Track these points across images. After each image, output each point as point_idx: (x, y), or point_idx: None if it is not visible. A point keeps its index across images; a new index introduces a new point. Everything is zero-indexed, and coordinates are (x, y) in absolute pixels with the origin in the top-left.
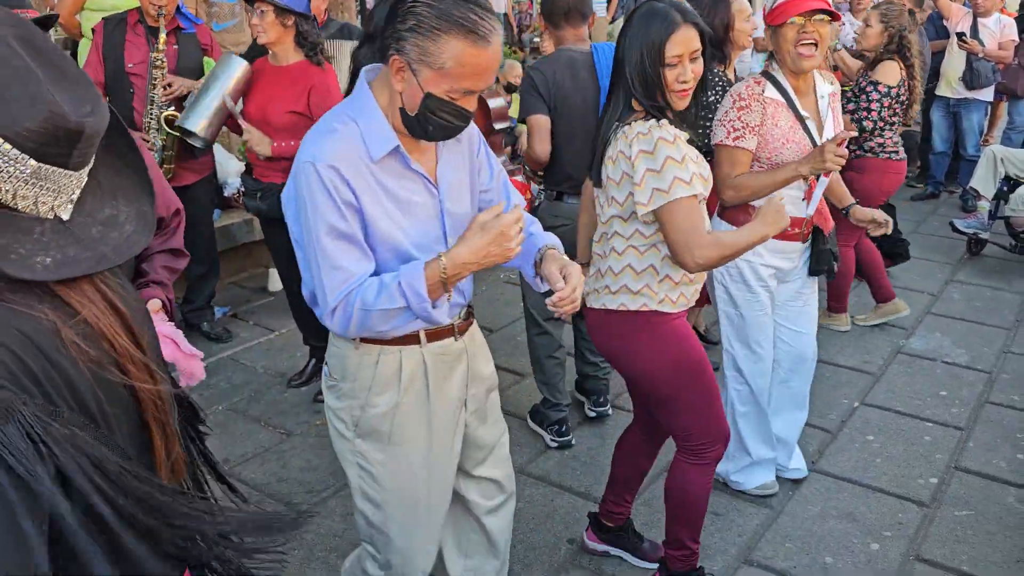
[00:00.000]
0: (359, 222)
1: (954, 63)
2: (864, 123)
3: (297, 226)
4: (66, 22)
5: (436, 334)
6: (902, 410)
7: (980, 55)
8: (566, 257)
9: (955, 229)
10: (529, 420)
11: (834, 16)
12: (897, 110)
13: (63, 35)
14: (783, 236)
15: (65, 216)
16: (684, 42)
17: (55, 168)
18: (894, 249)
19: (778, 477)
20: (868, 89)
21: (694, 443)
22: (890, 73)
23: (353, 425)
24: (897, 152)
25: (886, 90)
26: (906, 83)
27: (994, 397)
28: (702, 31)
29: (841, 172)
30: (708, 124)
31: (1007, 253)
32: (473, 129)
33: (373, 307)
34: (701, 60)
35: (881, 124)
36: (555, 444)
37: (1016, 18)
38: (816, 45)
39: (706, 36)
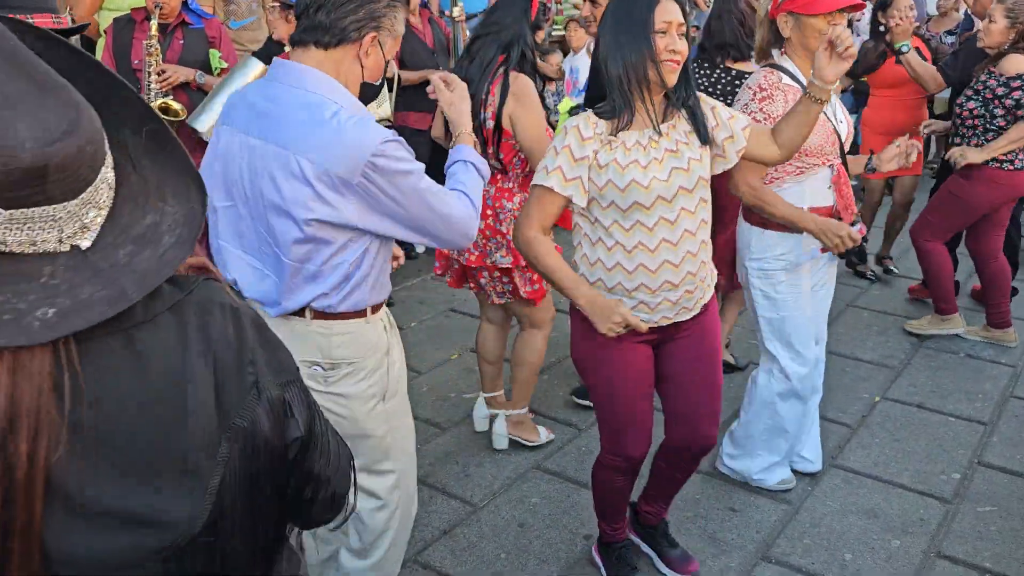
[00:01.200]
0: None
1: None
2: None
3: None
4: (83, 20)
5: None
6: (924, 404)
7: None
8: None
9: None
10: (576, 399)
11: (859, 7)
12: None
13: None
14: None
15: (86, 243)
16: (671, 11)
17: (35, 208)
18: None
19: (794, 471)
20: (1015, 84)
21: (601, 441)
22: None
23: (382, 393)
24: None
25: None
26: None
27: (1019, 391)
28: (684, 9)
29: (944, 177)
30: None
31: None
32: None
33: (475, 193)
34: (686, 41)
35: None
36: None
37: None
38: None
39: (688, 16)
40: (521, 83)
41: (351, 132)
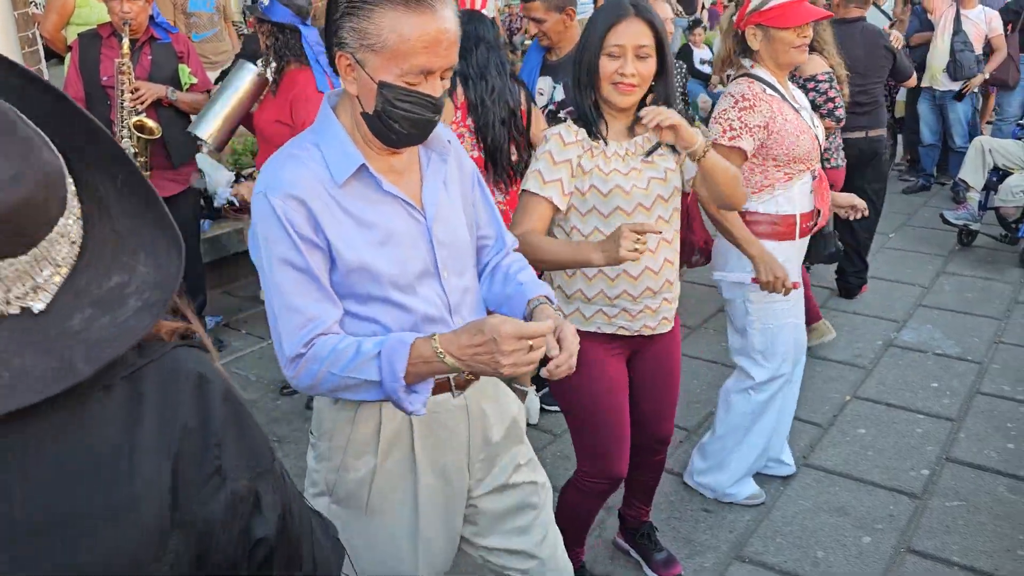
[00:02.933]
0: (323, 259)
1: (938, 55)
2: (836, 113)
3: (258, 266)
4: (51, 37)
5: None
6: (893, 403)
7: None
8: (557, 313)
9: (945, 221)
10: (544, 405)
11: (828, 17)
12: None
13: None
14: (804, 231)
15: (39, 306)
16: (629, 34)
17: None
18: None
19: (767, 475)
20: (810, 86)
21: (579, 465)
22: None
23: (329, 489)
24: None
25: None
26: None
27: (985, 387)
28: (657, 30)
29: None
30: None
31: (998, 243)
32: (469, 163)
33: (342, 372)
34: (653, 61)
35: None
36: None
37: (1001, 10)
38: (807, 44)
39: (662, 37)
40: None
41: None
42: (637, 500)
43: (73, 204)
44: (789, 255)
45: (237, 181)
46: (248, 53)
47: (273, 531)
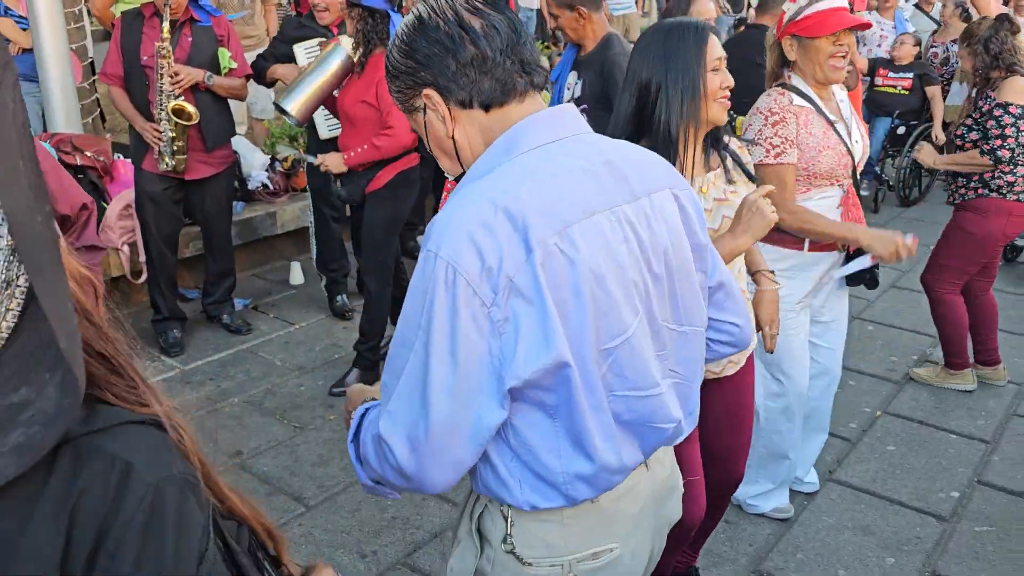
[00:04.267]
0: None
1: None
2: (999, 152)
3: None
4: (100, 15)
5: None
6: (925, 420)
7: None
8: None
9: None
10: None
11: (865, 26)
12: None
13: (99, 27)
14: (820, 247)
15: None
16: (719, 47)
17: None
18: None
19: (791, 490)
20: (997, 113)
21: None
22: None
23: None
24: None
25: (1020, 112)
26: None
27: (1022, 410)
28: None
29: (955, 211)
30: None
31: None
32: None
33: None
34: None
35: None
36: None
37: None
38: (846, 56)
39: None
40: None
41: None
42: (690, 546)
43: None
44: (799, 264)
45: (271, 166)
46: (286, 37)
47: None
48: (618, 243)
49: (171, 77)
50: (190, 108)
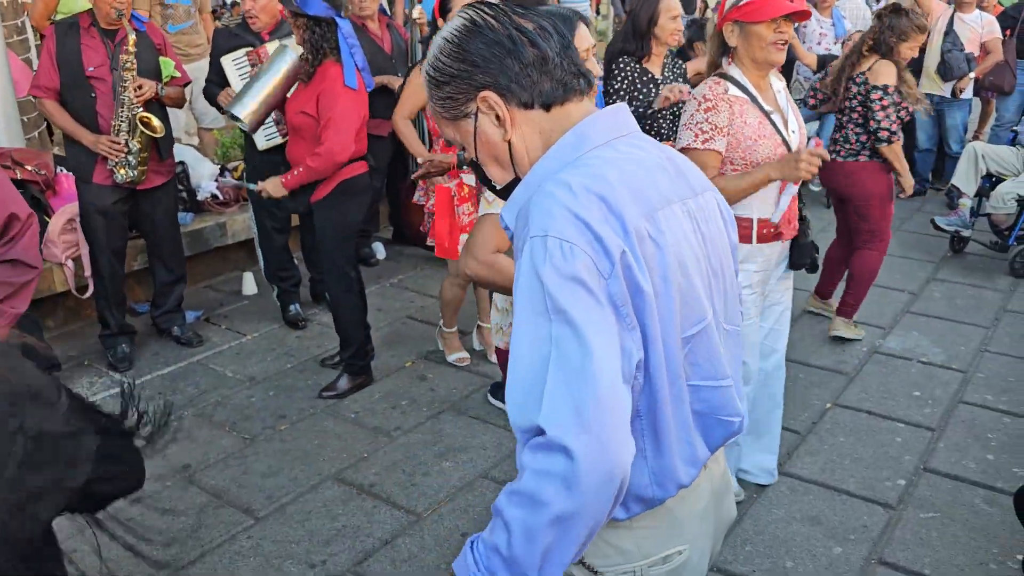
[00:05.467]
0: None
1: (932, 57)
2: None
3: None
4: (38, 26)
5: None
6: (874, 411)
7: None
8: None
9: (937, 227)
10: (491, 397)
11: (805, 15)
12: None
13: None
14: (767, 238)
15: None
16: (588, 37)
17: None
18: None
19: (744, 481)
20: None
21: None
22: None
23: None
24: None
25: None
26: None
27: (968, 397)
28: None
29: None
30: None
31: (989, 251)
32: None
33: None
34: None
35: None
36: None
37: (999, 16)
38: (785, 44)
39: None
40: None
41: None
42: None
43: None
44: (749, 254)
45: (222, 174)
46: (219, 48)
47: None
48: (691, 233)
49: (136, 90)
50: (156, 122)
